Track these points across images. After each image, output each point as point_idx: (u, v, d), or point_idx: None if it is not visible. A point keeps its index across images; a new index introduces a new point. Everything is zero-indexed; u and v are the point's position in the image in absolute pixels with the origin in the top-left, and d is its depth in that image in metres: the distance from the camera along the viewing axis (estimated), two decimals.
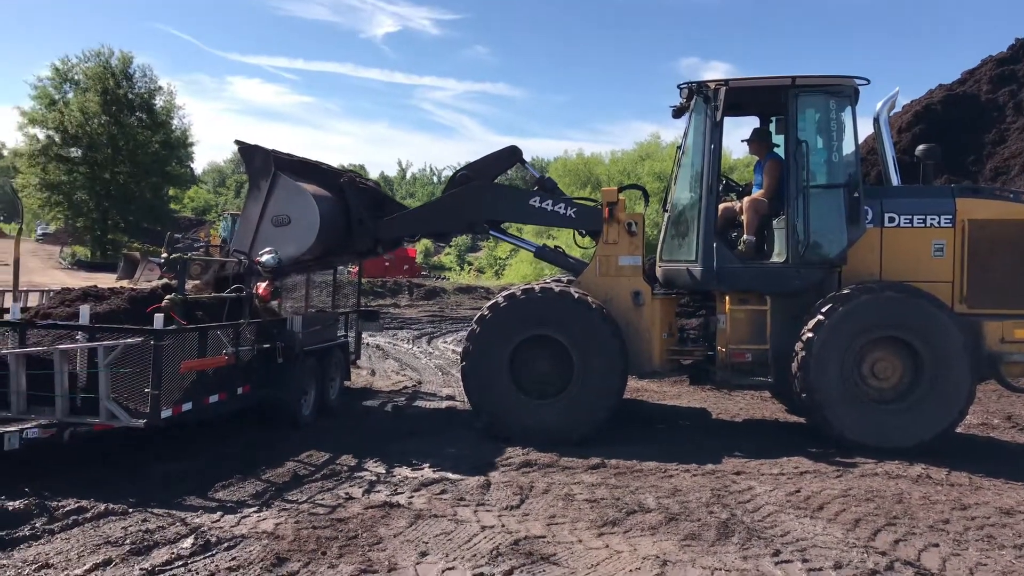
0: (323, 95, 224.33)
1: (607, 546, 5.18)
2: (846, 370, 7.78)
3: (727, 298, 8.46)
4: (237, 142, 9.08)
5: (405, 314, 22.53)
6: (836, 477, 6.90)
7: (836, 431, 7.81)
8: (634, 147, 46.01)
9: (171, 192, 55.53)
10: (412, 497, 6.18)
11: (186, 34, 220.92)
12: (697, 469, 7.15)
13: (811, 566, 4.88)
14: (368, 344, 15.44)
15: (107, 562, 4.63)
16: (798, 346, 7.88)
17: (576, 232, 9.51)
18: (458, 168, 9.56)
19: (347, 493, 6.25)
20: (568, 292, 8.36)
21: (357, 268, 13.38)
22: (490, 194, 9.27)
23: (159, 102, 50.53)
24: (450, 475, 6.84)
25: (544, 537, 5.30)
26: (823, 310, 7.83)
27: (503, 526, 5.52)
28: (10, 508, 5.31)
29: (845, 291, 7.93)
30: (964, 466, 7.21)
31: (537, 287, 8.62)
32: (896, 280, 8.07)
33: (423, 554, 4.96)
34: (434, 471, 6.96)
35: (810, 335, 7.81)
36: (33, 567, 4.55)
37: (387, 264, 37.19)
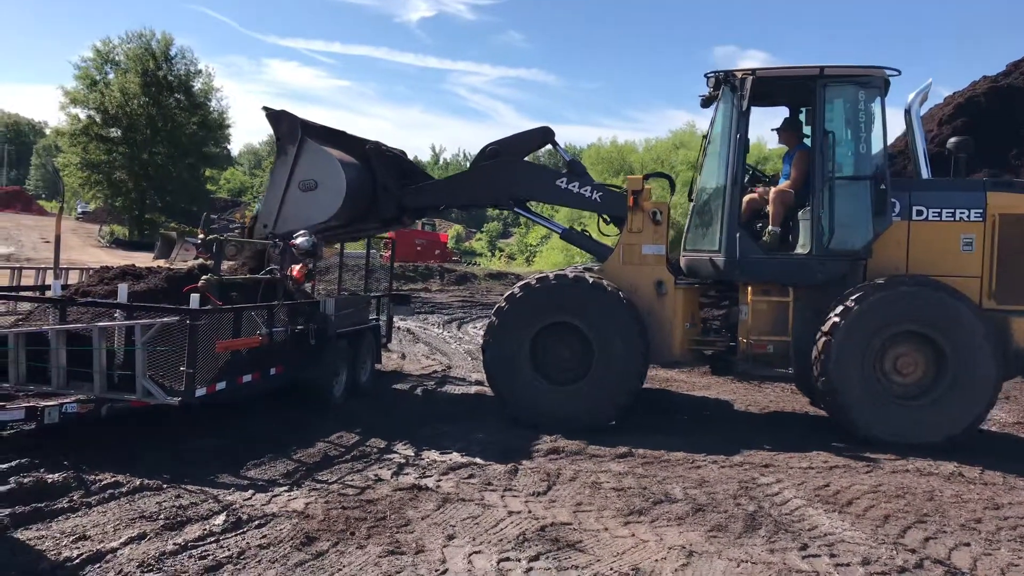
0: (359, 79, 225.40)
1: (633, 535, 5.19)
2: (867, 366, 7.71)
3: (749, 289, 8.40)
4: (265, 108, 9.17)
5: (436, 299, 22.62)
6: (866, 473, 6.83)
7: (857, 427, 7.75)
8: (668, 135, 45.65)
9: (207, 173, 56.27)
10: (440, 481, 6.24)
11: (224, 16, 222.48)
12: (725, 461, 7.13)
13: (839, 561, 4.85)
14: (399, 328, 15.53)
15: (142, 536, 4.73)
16: (819, 340, 7.82)
17: (600, 219, 9.48)
18: (488, 143, 9.55)
19: (376, 475, 6.32)
20: (584, 278, 8.39)
21: (390, 252, 13.47)
22: (518, 171, 9.26)
23: (198, 84, 51.10)
24: (478, 460, 6.88)
25: (570, 524, 5.33)
26: (844, 304, 7.76)
27: (530, 512, 5.55)
28: (49, 480, 5.44)
29: (865, 285, 7.84)
30: (998, 465, 7.11)
31: (555, 274, 8.66)
32: (923, 274, 7.97)
33: (450, 537, 5.01)
34: (462, 455, 7.01)
35: (830, 330, 7.74)
36: (70, 538, 4.66)
37: (419, 249, 37.39)
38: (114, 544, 4.58)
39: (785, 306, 8.27)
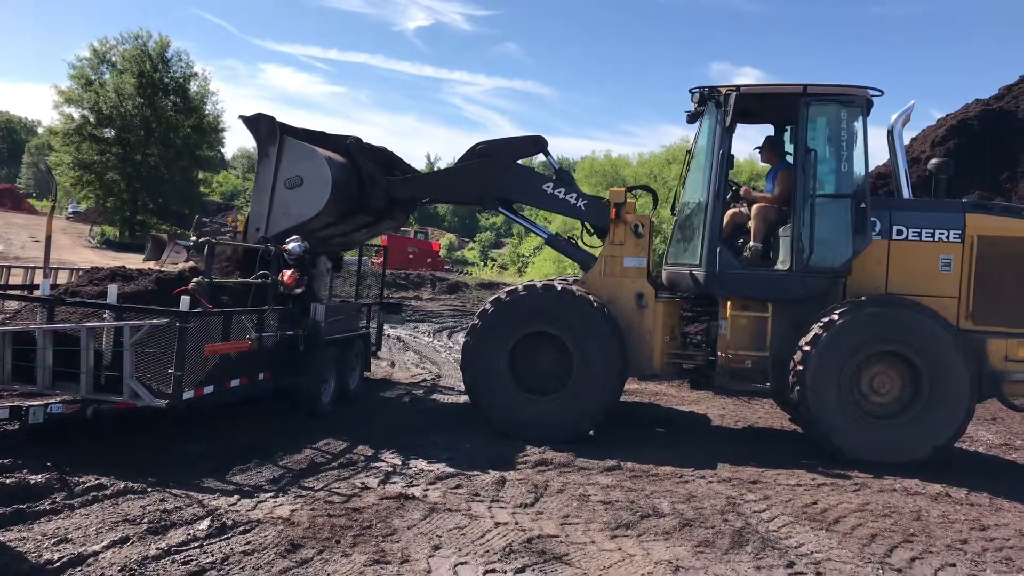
0: (354, 85, 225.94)
1: (620, 549, 5.17)
2: (843, 384, 7.74)
3: (729, 304, 8.44)
4: (241, 116, 9.17)
5: (427, 307, 22.57)
6: (854, 491, 6.83)
7: (833, 445, 7.78)
8: (661, 150, 45.82)
9: (200, 176, 56.01)
10: (427, 490, 6.21)
11: (221, 20, 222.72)
12: (712, 476, 7.12)
13: None
14: (389, 336, 15.48)
15: (124, 539, 4.69)
16: (796, 358, 7.86)
17: (584, 229, 9.50)
18: (480, 142, 9.54)
19: (363, 483, 6.28)
20: (569, 289, 8.42)
21: (382, 260, 13.43)
22: (506, 171, 9.25)
23: (193, 87, 51.00)
24: (466, 470, 6.85)
25: (557, 536, 5.30)
26: (820, 323, 7.80)
27: (517, 523, 5.52)
28: (32, 481, 5.40)
29: (841, 305, 7.89)
30: (984, 486, 7.11)
31: (539, 284, 8.69)
32: (902, 293, 8.03)
33: (436, 547, 4.98)
34: (450, 465, 6.98)
35: (807, 348, 7.78)
36: (52, 541, 4.61)
37: (411, 257, 37.35)
38: (96, 547, 4.53)
39: (764, 321, 8.31)
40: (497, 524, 5.49)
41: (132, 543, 4.66)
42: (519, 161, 9.62)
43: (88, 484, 5.56)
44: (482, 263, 65.26)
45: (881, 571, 5.01)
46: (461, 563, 4.76)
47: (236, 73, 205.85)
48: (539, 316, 8.37)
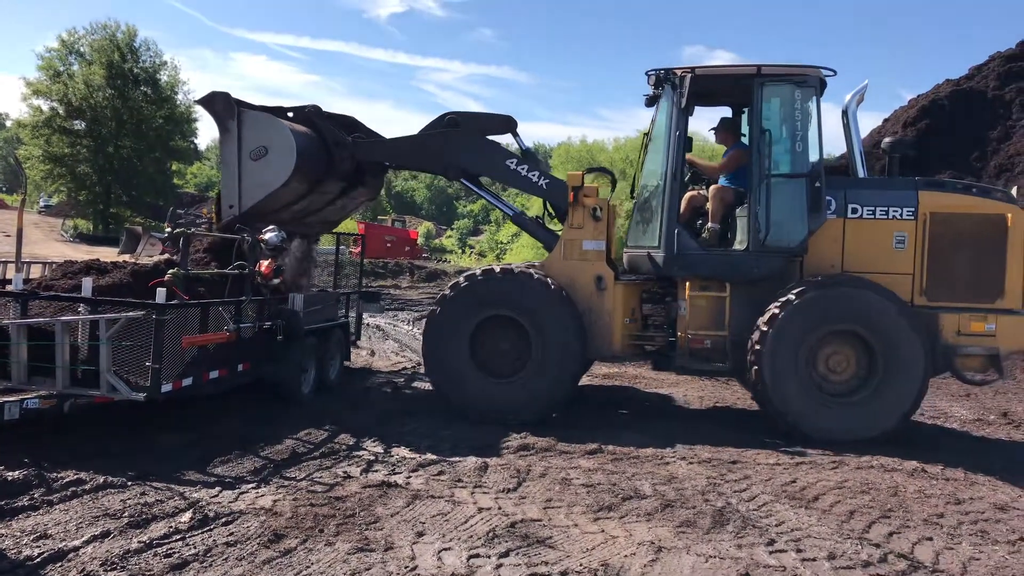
0: (328, 74, 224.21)
1: (603, 531, 5.21)
2: (799, 363, 7.83)
3: (687, 284, 8.53)
4: (196, 101, 9.13)
5: (406, 295, 22.50)
6: (832, 469, 6.92)
7: (789, 422, 7.87)
8: (636, 134, 45.91)
9: (174, 167, 55.47)
10: (410, 477, 6.21)
11: (191, 8, 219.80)
12: (693, 457, 7.18)
13: (805, 556, 4.90)
14: (368, 325, 15.44)
15: (105, 534, 4.66)
16: (753, 337, 7.94)
17: (546, 211, 9.52)
18: (449, 112, 9.51)
19: (345, 472, 6.28)
20: (527, 272, 8.50)
21: (359, 248, 13.38)
22: (470, 143, 9.24)
23: (164, 77, 50.39)
24: (448, 456, 6.86)
25: (540, 520, 5.33)
26: (777, 303, 7.89)
27: (500, 508, 5.54)
28: (9, 478, 5.34)
29: (797, 285, 7.98)
30: (959, 461, 7.23)
31: (497, 268, 8.77)
32: (857, 271, 8.15)
33: (420, 534, 4.99)
34: (432, 452, 6.98)
35: (764, 328, 7.86)
36: (31, 537, 4.57)
37: (389, 245, 37.23)
38: (76, 543, 4.50)
39: (722, 301, 8.40)
40: (480, 509, 5.51)
41: (113, 537, 4.63)
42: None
43: (67, 479, 5.52)
44: (460, 251, 65.15)
45: (860, 546, 5.08)
46: (445, 549, 4.78)
47: (208, 63, 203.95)
48: (498, 300, 8.46)
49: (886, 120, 20.74)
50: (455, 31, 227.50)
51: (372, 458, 6.74)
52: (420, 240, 53.87)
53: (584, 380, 11.51)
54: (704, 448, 7.49)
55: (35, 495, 5.21)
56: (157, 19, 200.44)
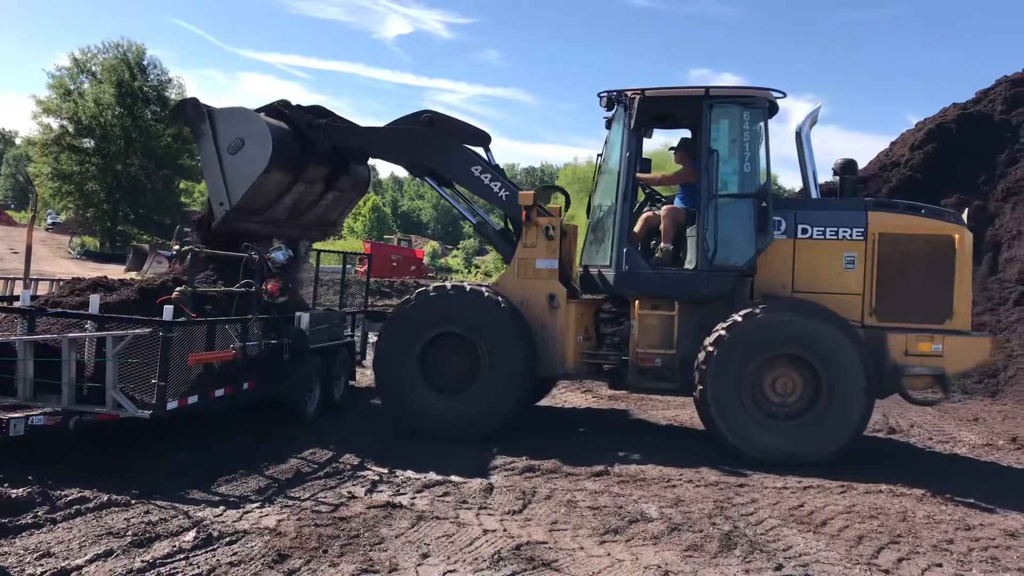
0: (334, 93, 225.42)
1: (609, 554, 5.16)
2: (743, 385, 7.79)
3: (637, 303, 8.57)
4: (167, 117, 9.22)
5: None
6: (840, 493, 6.86)
7: (731, 444, 7.81)
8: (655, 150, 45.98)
9: (182, 185, 55.75)
10: (415, 498, 6.18)
11: (199, 28, 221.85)
12: (700, 480, 7.13)
13: None
14: (374, 344, 15.41)
15: (108, 553, 4.63)
16: (700, 357, 7.92)
17: (506, 225, 9.51)
18: (426, 110, 9.54)
19: (350, 492, 6.25)
20: (478, 290, 8.57)
21: (365, 267, 13.37)
22: (439, 144, 9.25)
23: (172, 95, 50.76)
24: (453, 477, 6.83)
25: (546, 543, 5.29)
26: (724, 324, 7.87)
27: (505, 530, 5.50)
28: (13, 495, 5.32)
29: (744, 307, 7.96)
30: (969, 486, 7.17)
31: (449, 285, 8.83)
32: (808, 291, 8.17)
33: (424, 556, 4.95)
34: (437, 473, 6.95)
35: (710, 349, 7.84)
36: (34, 555, 4.55)
37: (395, 265, 37.29)
38: (79, 561, 4.48)
39: (671, 320, 8.42)
40: (485, 531, 5.47)
41: (116, 556, 4.60)
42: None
43: (71, 497, 5.50)
44: (466, 270, 65.20)
45: (869, 572, 5.03)
46: (450, 571, 4.74)
47: (215, 82, 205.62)
48: (448, 317, 8.50)
49: (893, 143, 20.69)
50: (462, 52, 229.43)
51: (376, 478, 6.70)
52: (426, 259, 53.92)
53: (588, 402, 11.48)
54: (711, 471, 7.44)
55: (39, 513, 5.19)
56: (165, 39, 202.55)
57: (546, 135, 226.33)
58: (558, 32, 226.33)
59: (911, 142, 19.53)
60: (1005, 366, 13.66)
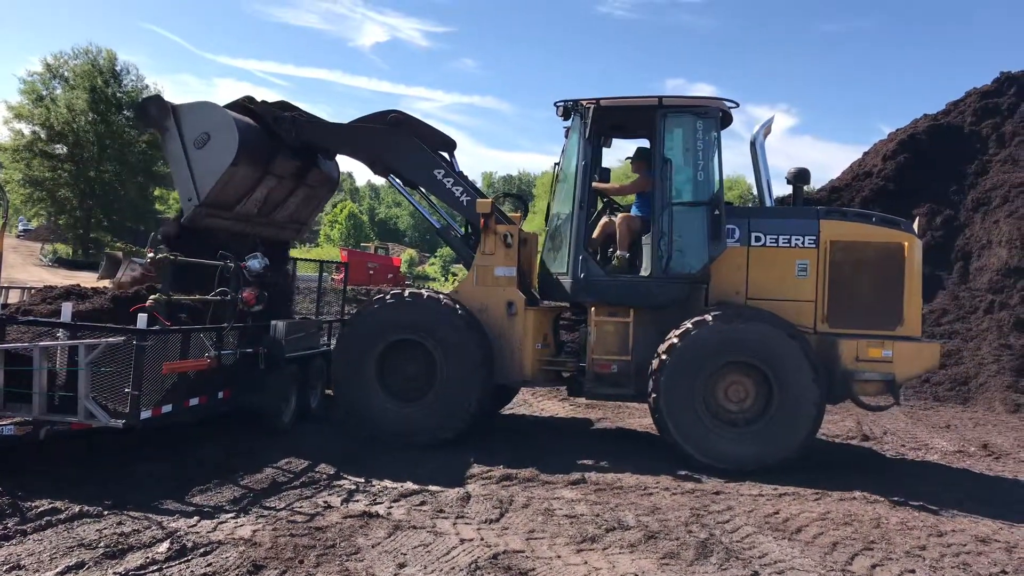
0: (311, 101, 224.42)
1: (586, 562, 5.17)
2: (696, 392, 7.87)
3: (593, 310, 8.63)
4: (132, 118, 9.17)
5: None
6: (815, 500, 6.92)
7: (685, 451, 7.88)
8: (619, 165, 46.19)
9: (156, 192, 55.22)
10: (391, 508, 6.15)
11: (174, 35, 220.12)
12: (677, 488, 7.15)
13: None
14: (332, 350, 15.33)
15: (80, 565, 4.57)
16: (653, 364, 8.00)
17: (467, 232, 9.52)
18: (394, 110, 9.53)
19: (326, 502, 6.21)
20: (435, 297, 8.64)
21: (342, 276, 13.34)
22: (402, 144, 9.25)
23: None
24: (430, 486, 6.80)
25: (523, 552, 5.28)
26: (677, 332, 7.95)
27: (482, 539, 5.49)
28: None
29: (697, 314, 8.05)
30: (941, 492, 7.25)
31: (406, 292, 8.85)
32: (761, 298, 8.27)
33: (401, 565, 4.93)
34: (414, 482, 6.92)
35: (664, 356, 7.92)
36: (4, 568, 4.48)
37: (372, 273, 37.12)
38: (50, 574, 4.43)
39: (627, 327, 8.50)
40: (462, 540, 5.46)
41: (88, 568, 4.54)
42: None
43: (41, 508, 5.42)
44: (443, 278, 65.02)
45: None
46: None
47: (190, 88, 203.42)
48: (406, 324, 8.53)
49: (866, 153, 20.95)
50: (438, 61, 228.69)
51: (353, 488, 6.67)
52: (403, 267, 53.73)
53: (566, 411, 11.49)
54: (687, 479, 7.47)
55: (8, 524, 5.11)
56: (140, 45, 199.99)
57: (523, 143, 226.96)
58: (535, 41, 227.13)
59: (883, 152, 19.79)
60: (976, 374, 13.85)
